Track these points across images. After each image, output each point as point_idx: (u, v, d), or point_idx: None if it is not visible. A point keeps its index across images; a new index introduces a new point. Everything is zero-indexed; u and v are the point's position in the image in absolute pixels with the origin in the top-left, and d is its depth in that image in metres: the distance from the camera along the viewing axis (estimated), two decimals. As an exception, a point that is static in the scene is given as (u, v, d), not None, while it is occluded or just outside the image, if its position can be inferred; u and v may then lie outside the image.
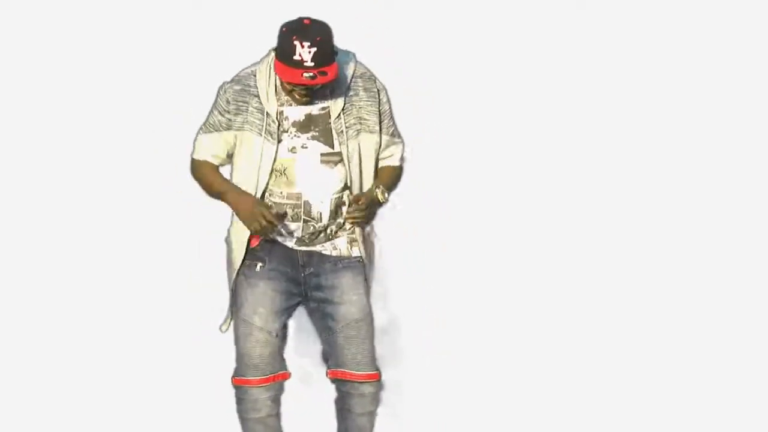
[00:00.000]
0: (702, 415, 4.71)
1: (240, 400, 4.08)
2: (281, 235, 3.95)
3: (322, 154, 3.93)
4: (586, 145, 5.57)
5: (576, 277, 5.38)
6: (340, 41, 3.92)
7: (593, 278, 5.36)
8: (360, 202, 3.92)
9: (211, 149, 3.99)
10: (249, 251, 4.01)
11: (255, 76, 3.93)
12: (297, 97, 3.86)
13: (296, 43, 3.72)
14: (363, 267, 4.06)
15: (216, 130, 3.96)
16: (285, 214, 3.91)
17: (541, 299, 5.32)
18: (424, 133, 5.36)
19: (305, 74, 3.72)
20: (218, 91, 3.98)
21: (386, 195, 4.05)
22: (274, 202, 3.94)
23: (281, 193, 3.93)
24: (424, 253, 5.29)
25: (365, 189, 3.99)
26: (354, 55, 4.06)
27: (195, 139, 4.03)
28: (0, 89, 5.29)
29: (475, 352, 5.08)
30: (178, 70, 5.24)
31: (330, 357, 4.07)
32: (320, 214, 3.95)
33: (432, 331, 5.11)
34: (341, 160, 3.91)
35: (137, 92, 5.30)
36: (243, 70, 3.97)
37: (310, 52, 3.72)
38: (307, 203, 3.94)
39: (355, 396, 4.08)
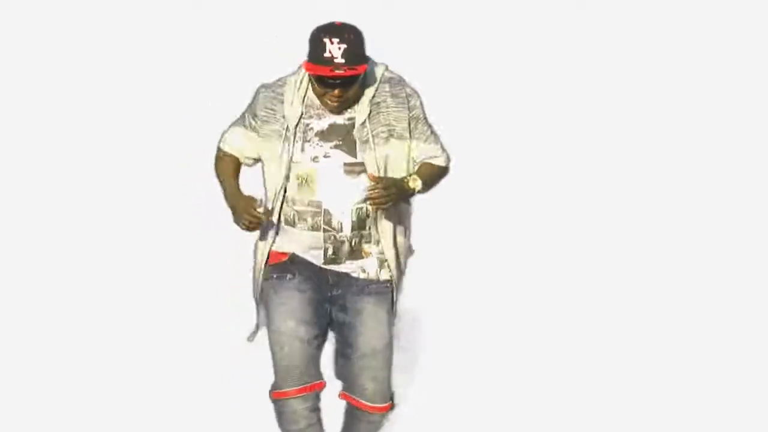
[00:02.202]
0: (702, 415, 4.71)
1: (279, 413, 4.04)
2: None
3: (345, 164, 3.87)
4: (584, 144, 5.57)
5: (577, 277, 5.38)
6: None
7: (597, 278, 5.35)
8: (380, 182, 3.85)
9: (238, 142, 3.96)
10: (278, 265, 4.00)
11: (285, 84, 3.92)
12: (329, 102, 3.81)
13: (326, 40, 3.69)
14: (390, 291, 4.02)
15: (247, 128, 3.96)
16: (271, 211, 3.89)
17: (541, 300, 5.31)
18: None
19: (335, 70, 3.69)
20: (256, 91, 3.96)
21: (417, 183, 3.96)
22: (297, 210, 3.92)
23: (303, 200, 3.91)
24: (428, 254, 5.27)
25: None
26: (385, 65, 4.01)
27: (228, 128, 4.01)
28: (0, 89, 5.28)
29: (476, 353, 5.08)
30: (178, 70, 5.24)
31: (344, 380, 4.06)
32: (340, 224, 3.90)
33: (438, 331, 5.10)
34: (365, 170, 3.87)
35: (137, 92, 5.29)
36: (281, 77, 3.96)
37: (339, 48, 3.68)
38: (327, 212, 3.89)
39: (363, 422, 4.04)
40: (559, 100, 5.57)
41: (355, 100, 3.85)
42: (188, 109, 4.85)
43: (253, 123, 3.92)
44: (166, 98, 5.19)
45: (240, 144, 3.98)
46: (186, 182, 5.10)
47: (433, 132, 4.02)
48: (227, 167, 4.02)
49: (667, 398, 4.75)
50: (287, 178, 3.87)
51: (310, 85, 3.85)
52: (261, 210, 3.84)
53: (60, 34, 5.23)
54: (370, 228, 3.93)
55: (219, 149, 4.02)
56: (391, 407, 4.02)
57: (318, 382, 3.99)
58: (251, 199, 3.87)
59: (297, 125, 3.86)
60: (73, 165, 5.26)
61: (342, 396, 4.03)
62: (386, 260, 3.95)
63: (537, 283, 5.32)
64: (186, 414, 4.62)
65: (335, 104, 3.78)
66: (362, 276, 3.94)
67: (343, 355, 3.98)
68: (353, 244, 3.91)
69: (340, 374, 4.05)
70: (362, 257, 3.95)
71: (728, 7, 5.51)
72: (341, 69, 3.68)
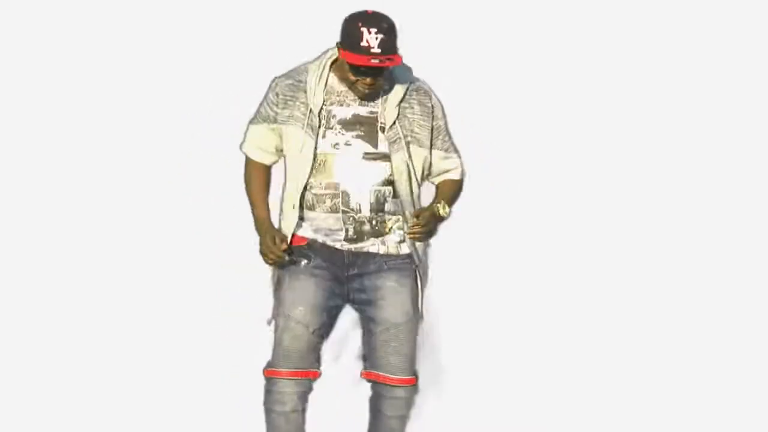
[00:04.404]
0: (702, 416, 4.73)
1: (268, 392, 4.08)
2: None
3: (365, 153, 3.97)
4: (584, 146, 5.58)
5: (580, 279, 5.39)
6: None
7: (599, 281, 5.36)
8: (420, 218, 3.95)
9: (258, 141, 4.04)
10: (295, 249, 4.05)
11: (307, 72, 3.98)
12: (360, 88, 3.89)
13: (363, 29, 3.77)
14: (413, 266, 4.06)
15: (264, 121, 4.02)
16: (290, 248, 3.98)
17: (542, 302, 5.32)
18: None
19: (372, 60, 3.76)
20: (270, 85, 4.01)
21: (447, 210, 4.04)
22: (315, 194, 3.97)
23: (320, 183, 3.98)
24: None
25: (411, 200, 4.01)
26: (411, 69, 4.10)
27: (246, 129, 4.08)
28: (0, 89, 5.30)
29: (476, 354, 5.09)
30: (178, 70, 5.25)
31: (367, 358, 4.09)
32: (359, 205, 3.98)
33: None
34: (383, 158, 3.94)
35: (138, 92, 5.31)
36: (297, 66, 4.02)
37: (377, 38, 3.77)
38: (345, 193, 3.96)
39: (387, 398, 4.08)
40: (559, 100, 5.58)
41: (380, 88, 3.92)
42: (188, 108, 4.87)
43: (272, 112, 4.00)
44: (166, 98, 5.21)
45: (263, 142, 4.05)
46: (186, 182, 5.13)
47: (452, 144, 4.13)
48: (257, 184, 4.12)
49: (656, 403, 4.77)
50: (313, 163, 3.93)
51: (332, 71, 3.94)
52: (284, 247, 3.92)
53: (60, 34, 5.25)
54: (391, 207, 4.00)
55: (246, 158, 4.09)
56: (414, 383, 4.04)
57: (313, 370, 4.04)
58: (277, 235, 3.97)
59: (320, 111, 3.93)
60: (72, 165, 5.28)
61: (364, 375, 4.07)
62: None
63: (558, 287, 5.32)
64: (185, 413, 4.64)
65: (367, 91, 3.86)
66: (381, 250, 4.00)
67: (366, 332, 4.04)
68: (374, 223, 3.98)
69: (364, 353, 4.09)
70: (385, 234, 4.02)
71: (729, 7, 5.53)
72: (378, 59, 3.75)
